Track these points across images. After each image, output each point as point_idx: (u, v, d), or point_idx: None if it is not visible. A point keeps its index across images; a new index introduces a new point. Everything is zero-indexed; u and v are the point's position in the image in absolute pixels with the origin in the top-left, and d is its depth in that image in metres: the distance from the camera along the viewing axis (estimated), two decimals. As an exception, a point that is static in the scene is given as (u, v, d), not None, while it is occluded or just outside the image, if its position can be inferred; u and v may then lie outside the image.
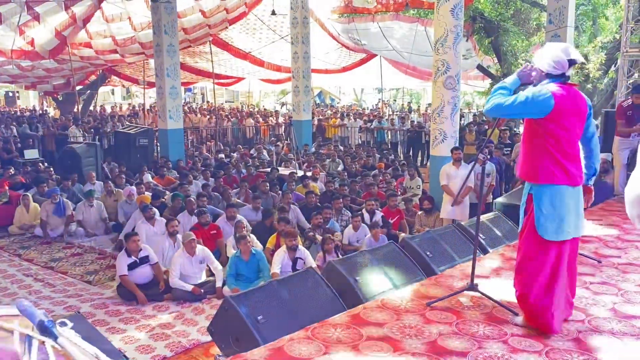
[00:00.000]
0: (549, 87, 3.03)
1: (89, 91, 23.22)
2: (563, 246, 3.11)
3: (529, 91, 3.06)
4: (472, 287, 3.63)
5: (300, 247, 6.16)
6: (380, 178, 10.12)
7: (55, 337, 1.19)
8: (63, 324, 1.31)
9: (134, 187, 9.16)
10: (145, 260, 6.12)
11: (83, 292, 6.22)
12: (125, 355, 3.90)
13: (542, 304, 3.11)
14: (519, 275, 3.21)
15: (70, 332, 1.24)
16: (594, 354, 2.95)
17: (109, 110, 24.88)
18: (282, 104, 30.45)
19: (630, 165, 6.72)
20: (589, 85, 14.15)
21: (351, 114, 21.24)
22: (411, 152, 15.83)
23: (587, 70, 13.12)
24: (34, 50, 13.83)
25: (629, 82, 10.43)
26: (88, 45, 15.77)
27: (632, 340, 3.11)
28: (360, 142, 17.97)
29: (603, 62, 13.34)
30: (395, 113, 22.47)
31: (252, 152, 14.62)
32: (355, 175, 10.79)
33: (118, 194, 9.21)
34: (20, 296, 6.09)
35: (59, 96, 23.15)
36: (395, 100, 32.04)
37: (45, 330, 1.21)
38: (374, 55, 19.49)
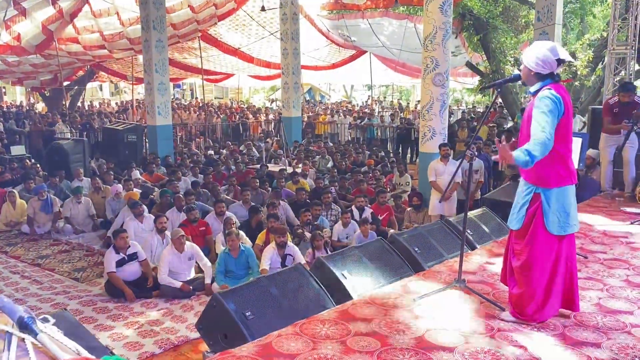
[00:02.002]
0: (551, 88, 3.03)
1: (76, 87, 23.00)
2: (565, 240, 3.19)
3: (542, 108, 2.97)
4: (460, 282, 3.65)
5: (290, 243, 6.16)
6: (370, 175, 10.13)
7: (35, 334, 1.17)
8: (45, 320, 1.30)
9: (120, 185, 9.10)
10: (133, 257, 6.10)
11: (71, 289, 6.18)
12: (112, 352, 3.88)
13: (544, 301, 3.16)
14: (522, 275, 3.18)
15: (52, 329, 1.22)
16: (579, 348, 2.98)
17: (97, 106, 24.68)
18: (272, 101, 30.34)
19: (616, 162, 6.78)
20: (577, 83, 14.26)
21: (341, 110, 21.22)
22: (401, 148, 15.86)
23: (574, 68, 13.21)
24: (20, 45, 13.69)
25: (615, 79, 10.53)
26: (75, 41, 15.64)
27: (617, 334, 3.14)
28: (349, 138, 17.96)
29: (590, 59, 13.44)
30: (385, 110, 22.48)
31: (241, 148, 14.57)
32: (345, 172, 10.80)
33: (106, 191, 9.15)
34: (6, 293, 6.03)
35: (46, 92, 22.92)
36: (385, 97, 32.05)
37: (25, 326, 1.19)
38: (364, 52, 19.48)
